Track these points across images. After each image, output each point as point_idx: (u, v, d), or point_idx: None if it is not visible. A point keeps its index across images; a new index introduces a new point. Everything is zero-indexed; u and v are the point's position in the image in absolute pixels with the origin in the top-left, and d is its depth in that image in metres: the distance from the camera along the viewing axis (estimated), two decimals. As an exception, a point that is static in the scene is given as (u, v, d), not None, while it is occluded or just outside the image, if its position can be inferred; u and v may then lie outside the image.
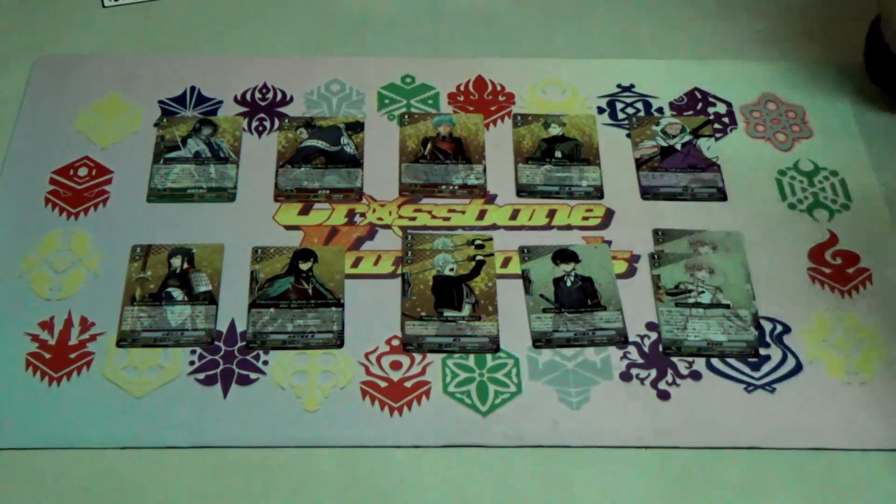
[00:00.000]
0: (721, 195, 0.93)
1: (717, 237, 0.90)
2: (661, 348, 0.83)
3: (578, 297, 0.86)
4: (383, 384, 0.81)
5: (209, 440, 0.78)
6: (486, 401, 0.80)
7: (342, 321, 0.84)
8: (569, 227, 0.91)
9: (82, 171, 0.93)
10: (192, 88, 0.99)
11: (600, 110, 0.99)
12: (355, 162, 0.94)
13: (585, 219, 0.91)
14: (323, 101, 0.99)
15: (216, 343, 0.83)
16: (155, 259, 0.87)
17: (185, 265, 0.87)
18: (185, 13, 1.07)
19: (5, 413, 0.78)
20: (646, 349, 0.83)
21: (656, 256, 0.88)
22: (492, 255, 0.88)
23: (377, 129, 0.97)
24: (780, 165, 0.96)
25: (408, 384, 0.81)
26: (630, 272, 0.88)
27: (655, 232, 0.90)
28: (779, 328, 0.85)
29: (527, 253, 0.89)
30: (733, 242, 0.89)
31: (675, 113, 0.99)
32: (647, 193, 0.93)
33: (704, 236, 0.90)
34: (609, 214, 0.92)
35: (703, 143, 0.97)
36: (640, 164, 0.95)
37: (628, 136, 0.97)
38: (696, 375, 0.82)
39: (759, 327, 0.85)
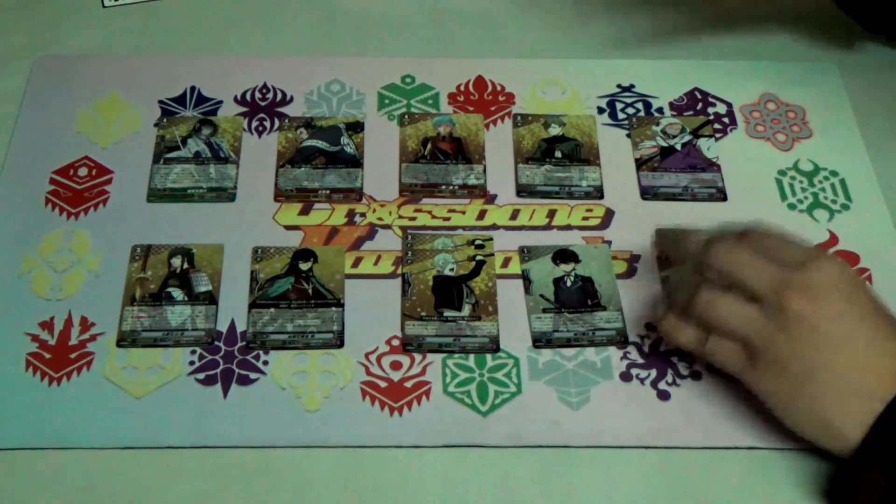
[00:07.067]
0: (721, 195, 0.93)
1: None
2: (661, 348, 0.83)
3: (578, 297, 0.86)
4: (383, 384, 0.81)
5: (209, 440, 0.78)
6: (486, 401, 0.80)
7: (342, 321, 0.84)
8: (569, 227, 0.91)
9: (82, 171, 0.93)
10: (192, 88, 0.99)
11: (600, 110, 0.99)
12: (355, 162, 0.94)
13: (585, 219, 0.91)
14: (323, 101, 0.99)
15: (216, 343, 0.83)
16: (155, 259, 0.87)
17: (185, 265, 0.87)
18: (185, 13, 1.07)
19: (5, 413, 0.78)
20: (646, 349, 0.83)
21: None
22: (492, 255, 0.88)
23: (377, 129, 0.97)
24: (780, 165, 0.96)
25: (408, 384, 0.81)
26: (630, 272, 0.88)
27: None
28: (779, 328, 0.85)
29: (527, 253, 0.89)
30: None
31: (675, 113, 0.99)
32: (647, 193, 0.93)
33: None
34: (609, 214, 0.92)
35: (703, 143, 0.97)
36: (640, 164, 0.95)
37: (628, 136, 0.97)
38: (696, 375, 0.82)
39: (759, 327, 0.85)
